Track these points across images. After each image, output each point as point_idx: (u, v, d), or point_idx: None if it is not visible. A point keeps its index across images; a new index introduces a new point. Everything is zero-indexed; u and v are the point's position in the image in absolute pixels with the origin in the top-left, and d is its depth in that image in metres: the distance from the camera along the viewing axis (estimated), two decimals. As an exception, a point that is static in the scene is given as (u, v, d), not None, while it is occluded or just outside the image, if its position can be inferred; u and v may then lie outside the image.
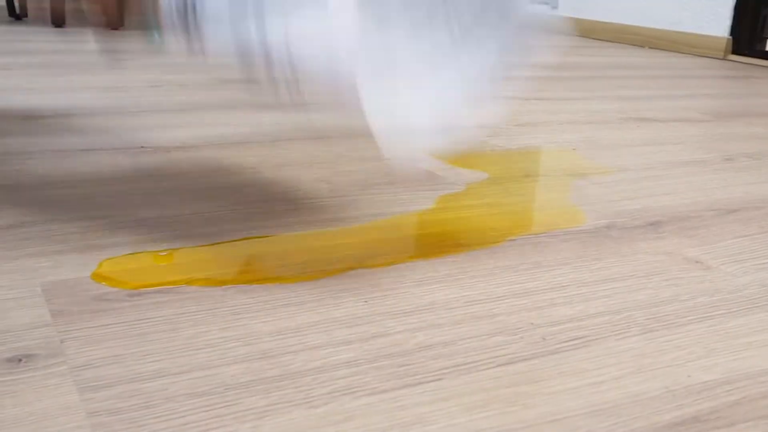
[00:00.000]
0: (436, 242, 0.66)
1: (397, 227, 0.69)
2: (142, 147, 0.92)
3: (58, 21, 2.20)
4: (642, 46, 2.56)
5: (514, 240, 0.67)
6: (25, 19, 2.39)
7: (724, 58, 2.33)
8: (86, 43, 1.93)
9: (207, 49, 0.47)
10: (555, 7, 3.04)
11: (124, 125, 1.03)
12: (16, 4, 2.37)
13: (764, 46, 2.29)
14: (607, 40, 2.71)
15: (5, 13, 2.45)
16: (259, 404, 0.41)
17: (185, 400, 0.41)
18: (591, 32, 2.81)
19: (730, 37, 2.32)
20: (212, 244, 0.63)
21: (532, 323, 0.52)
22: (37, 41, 1.91)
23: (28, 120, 1.02)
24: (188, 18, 0.46)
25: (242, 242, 0.63)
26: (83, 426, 0.38)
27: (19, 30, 2.12)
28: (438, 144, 0.52)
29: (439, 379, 0.44)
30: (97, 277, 0.55)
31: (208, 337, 0.48)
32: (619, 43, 2.65)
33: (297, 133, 0.95)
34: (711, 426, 0.41)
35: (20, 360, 0.44)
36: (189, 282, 0.55)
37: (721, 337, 0.51)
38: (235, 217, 0.69)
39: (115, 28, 0.55)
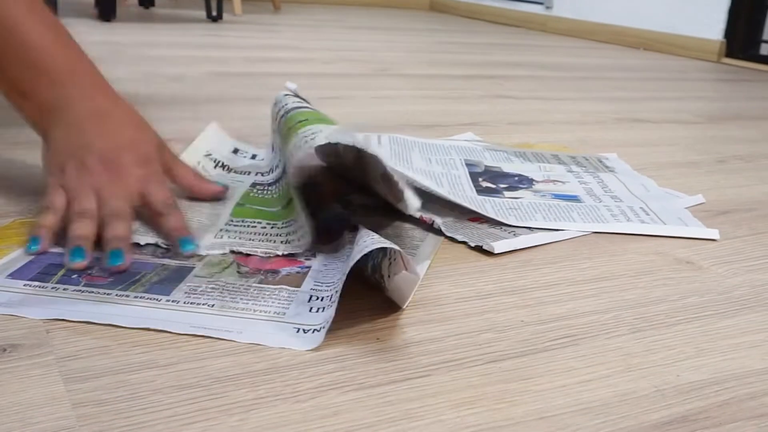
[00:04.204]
0: (427, 239, 0.66)
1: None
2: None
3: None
4: (637, 48, 2.57)
5: (505, 238, 0.67)
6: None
7: (717, 61, 2.33)
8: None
9: None
10: (549, 7, 3.04)
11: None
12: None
13: (758, 50, 2.29)
14: (603, 42, 2.71)
15: None
16: (246, 397, 0.41)
17: (172, 393, 0.41)
18: (587, 33, 2.82)
19: (724, 41, 2.33)
20: (202, 237, 0.62)
21: (521, 321, 0.52)
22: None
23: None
24: None
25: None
26: (68, 416, 0.38)
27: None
28: None
29: (427, 375, 0.44)
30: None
31: (196, 329, 0.47)
32: (615, 44, 2.66)
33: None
34: (699, 426, 0.41)
35: (5, 350, 0.43)
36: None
37: (711, 337, 0.51)
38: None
39: None
